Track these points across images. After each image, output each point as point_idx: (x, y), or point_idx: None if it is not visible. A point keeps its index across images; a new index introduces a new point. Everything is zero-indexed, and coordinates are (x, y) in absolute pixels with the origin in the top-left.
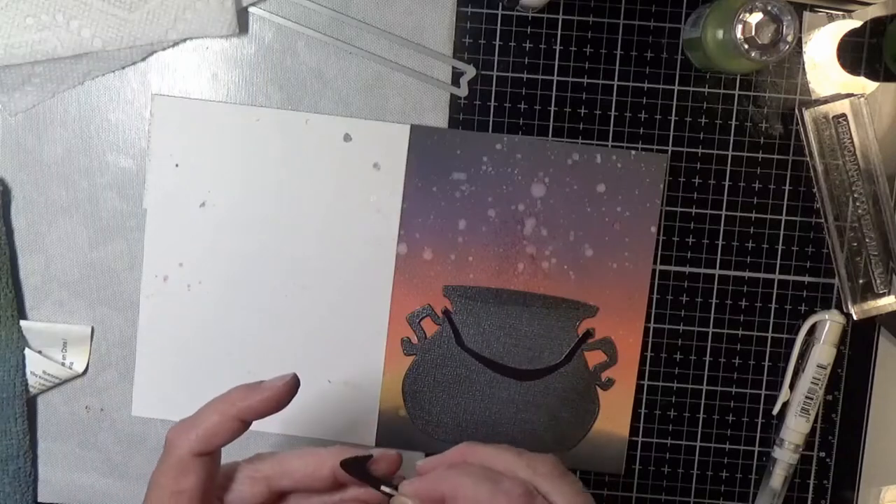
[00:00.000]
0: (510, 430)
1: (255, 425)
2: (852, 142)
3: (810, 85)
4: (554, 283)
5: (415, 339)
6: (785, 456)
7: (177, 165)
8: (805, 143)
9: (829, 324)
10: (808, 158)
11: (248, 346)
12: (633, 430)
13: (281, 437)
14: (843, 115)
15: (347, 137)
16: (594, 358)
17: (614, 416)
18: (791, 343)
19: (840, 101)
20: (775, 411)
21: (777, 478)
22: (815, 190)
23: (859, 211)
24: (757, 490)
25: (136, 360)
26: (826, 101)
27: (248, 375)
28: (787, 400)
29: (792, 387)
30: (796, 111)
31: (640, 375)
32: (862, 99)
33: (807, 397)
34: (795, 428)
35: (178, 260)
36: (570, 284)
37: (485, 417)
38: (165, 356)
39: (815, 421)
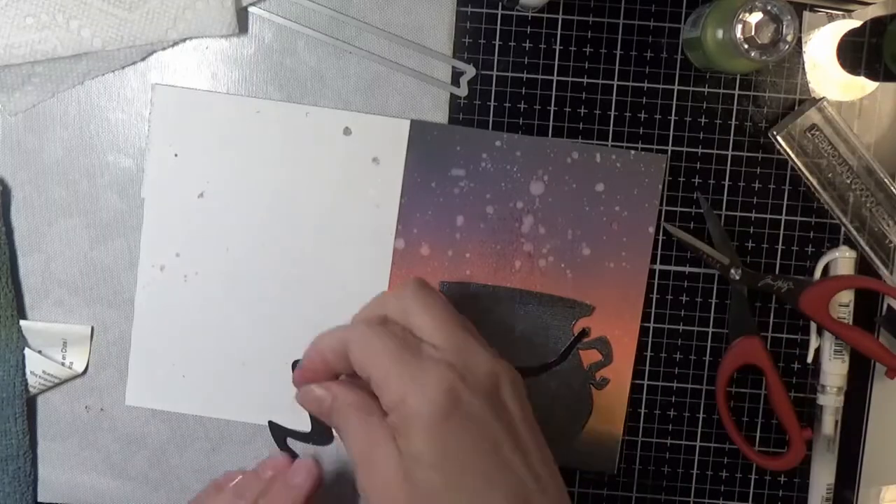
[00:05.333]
0: None
1: (248, 417)
2: (835, 148)
3: (810, 85)
4: (550, 281)
5: None
6: (830, 401)
7: (176, 155)
8: (792, 164)
9: (840, 262)
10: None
11: (242, 337)
12: (633, 430)
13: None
14: (814, 126)
15: (347, 131)
16: (589, 357)
17: (608, 415)
18: (793, 342)
19: (805, 114)
20: (809, 359)
21: (828, 424)
22: (815, 192)
23: (868, 204)
24: (757, 490)
25: (131, 350)
26: (794, 117)
27: (242, 367)
28: (819, 346)
29: (820, 333)
30: (770, 138)
31: (640, 375)
32: (824, 102)
33: (837, 339)
34: (832, 371)
35: (175, 250)
36: (566, 283)
37: None
38: (160, 346)
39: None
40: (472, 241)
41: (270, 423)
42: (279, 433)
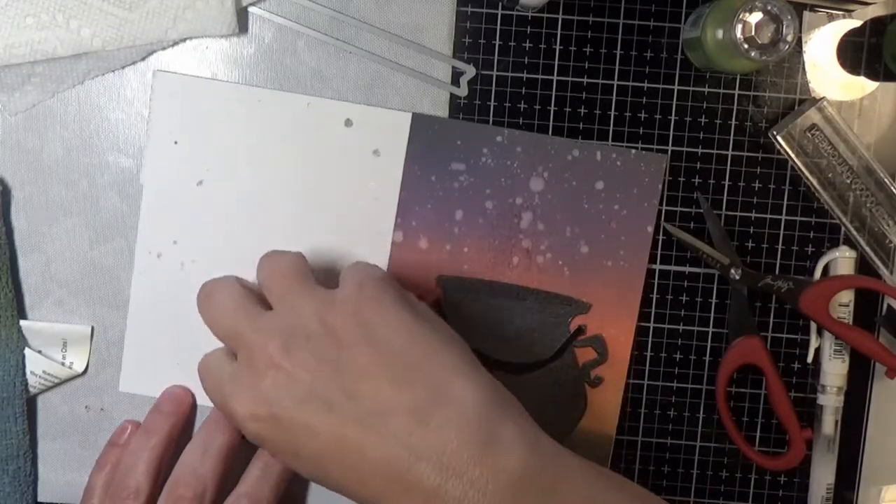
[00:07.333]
0: None
1: None
2: (835, 148)
3: (810, 85)
4: (548, 277)
5: None
6: (830, 401)
7: (176, 142)
8: (792, 164)
9: (840, 262)
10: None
11: None
12: (633, 430)
13: None
14: (814, 126)
15: (348, 123)
16: (584, 355)
17: (602, 414)
18: (793, 342)
19: (805, 114)
20: (809, 358)
21: (828, 424)
22: (815, 192)
23: (868, 204)
24: (756, 490)
25: (126, 337)
26: (794, 117)
27: None
28: (819, 346)
29: (820, 333)
30: (770, 138)
31: (640, 375)
32: (824, 102)
33: (837, 339)
34: (832, 371)
35: (173, 237)
36: (563, 280)
37: None
38: (155, 333)
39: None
40: (470, 236)
41: None
42: None
